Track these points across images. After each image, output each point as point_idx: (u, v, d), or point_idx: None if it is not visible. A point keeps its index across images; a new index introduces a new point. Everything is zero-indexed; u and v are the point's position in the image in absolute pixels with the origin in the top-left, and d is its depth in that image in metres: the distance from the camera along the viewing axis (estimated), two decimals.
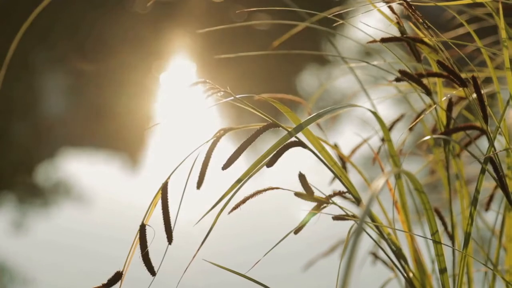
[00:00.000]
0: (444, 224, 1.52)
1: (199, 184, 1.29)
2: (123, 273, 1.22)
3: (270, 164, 1.22)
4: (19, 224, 4.13)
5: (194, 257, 1.18)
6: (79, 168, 4.97)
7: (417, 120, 1.62)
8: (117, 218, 3.91)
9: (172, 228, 1.23)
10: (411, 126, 1.64)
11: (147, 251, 1.22)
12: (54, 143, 5.50)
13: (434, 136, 1.35)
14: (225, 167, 1.23)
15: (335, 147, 1.57)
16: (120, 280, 1.21)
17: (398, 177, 1.47)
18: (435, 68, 1.39)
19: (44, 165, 5.14)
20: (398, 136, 1.74)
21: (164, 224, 1.23)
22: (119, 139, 5.18)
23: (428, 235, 1.64)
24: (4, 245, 3.86)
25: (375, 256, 1.76)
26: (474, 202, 1.28)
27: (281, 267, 3.16)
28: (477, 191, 1.29)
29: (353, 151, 1.67)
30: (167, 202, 1.23)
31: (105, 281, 1.23)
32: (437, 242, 1.22)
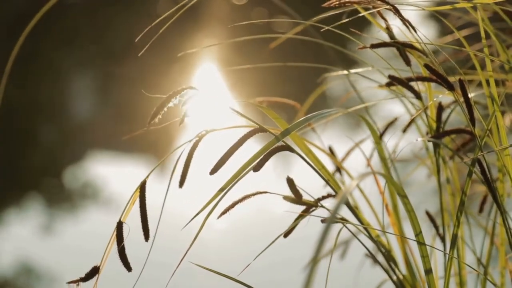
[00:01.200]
0: (435, 226, 1.53)
1: (181, 183, 1.31)
2: (100, 268, 1.24)
3: (256, 168, 1.23)
4: (47, 226, 4.15)
5: (181, 260, 1.20)
6: (107, 171, 4.99)
7: (409, 124, 1.63)
8: (163, 225, 3.91)
9: (157, 224, 1.25)
10: (404, 129, 1.65)
11: (124, 247, 1.24)
12: (82, 145, 5.52)
13: (422, 139, 1.36)
14: (212, 172, 1.25)
15: (327, 151, 1.58)
16: (97, 275, 1.23)
17: (388, 180, 1.48)
18: (424, 72, 1.40)
19: (72, 168, 5.16)
20: (397, 139, 1.75)
21: (141, 221, 1.25)
22: (146, 142, 5.19)
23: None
24: (31, 246, 3.88)
25: (373, 258, 1.76)
26: (461, 205, 1.29)
27: (283, 271, 3.18)
28: (464, 193, 1.30)
29: (346, 155, 1.68)
30: (145, 200, 1.25)
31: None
32: (421, 243, 1.23)
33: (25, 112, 6.02)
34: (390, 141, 1.86)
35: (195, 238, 1.21)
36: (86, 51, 7.89)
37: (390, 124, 1.64)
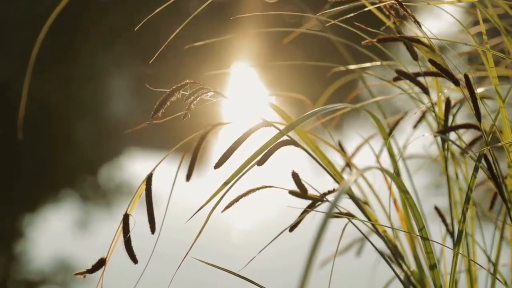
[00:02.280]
0: (444, 222, 1.52)
1: (188, 177, 1.32)
2: (106, 260, 1.25)
3: (260, 162, 1.24)
4: (82, 223, 4.18)
5: (185, 256, 1.21)
6: (142, 168, 5.00)
7: (420, 120, 1.62)
8: (179, 220, 3.92)
9: (156, 218, 1.26)
10: (414, 125, 1.65)
11: (130, 240, 1.24)
12: (118, 143, 5.54)
13: (429, 134, 1.35)
14: (216, 166, 1.25)
15: (336, 147, 1.58)
16: (103, 267, 1.24)
17: (397, 175, 1.48)
18: (432, 68, 1.40)
19: (107, 166, 5.19)
20: (408, 135, 1.75)
21: (148, 214, 1.26)
22: (183, 140, 5.17)
23: (434, 234, 1.65)
24: (68, 243, 3.91)
25: (380, 253, 1.76)
26: (466, 200, 1.29)
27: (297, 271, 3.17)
28: (470, 189, 1.29)
29: (356, 151, 1.68)
30: (151, 193, 1.26)
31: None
32: (424, 239, 1.23)
33: (62, 111, 6.06)
34: (400, 137, 1.85)
35: (199, 233, 1.21)
36: (123, 50, 7.93)
37: (400, 120, 1.64)
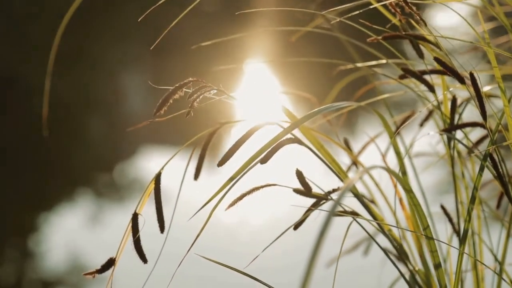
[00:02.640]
0: (450, 221, 1.51)
1: (196, 176, 1.32)
2: (116, 260, 1.25)
3: (264, 161, 1.23)
4: (96, 220, 4.19)
5: (187, 252, 1.20)
6: (157, 166, 4.98)
7: (427, 118, 1.62)
8: (192, 218, 3.89)
9: (164, 217, 1.25)
10: (421, 123, 1.64)
11: (139, 239, 1.24)
12: (133, 141, 5.53)
13: (434, 133, 1.35)
14: (220, 164, 1.25)
15: (343, 145, 1.58)
16: (113, 267, 1.24)
17: (403, 174, 1.47)
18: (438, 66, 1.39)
19: (122, 163, 5.19)
20: (415, 133, 1.74)
21: (157, 213, 1.26)
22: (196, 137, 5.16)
23: (442, 233, 1.64)
24: (81, 241, 3.91)
25: (384, 251, 1.75)
26: (472, 199, 1.28)
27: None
28: (476, 188, 1.29)
29: (362, 149, 1.67)
30: (160, 192, 1.26)
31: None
32: (428, 238, 1.22)
33: (77, 108, 6.07)
34: (408, 135, 1.85)
35: (201, 230, 1.21)
36: (137, 47, 7.94)
37: (407, 118, 1.63)
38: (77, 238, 3.96)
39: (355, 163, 1.62)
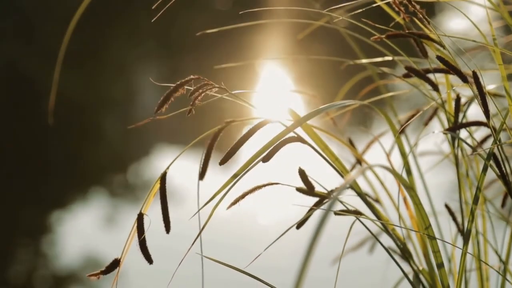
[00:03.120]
0: (455, 221, 1.51)
1: (202, 176, 1.31)
2: (121, 260, 1.25)
3: (265, 159, 1.23)
4: (111, 220, 4.19)
5: (188, 250, 1.20)
6: (172, 166, 4.95)
7: (431, 117, 1.61)
8: (206, 217, 3.86)
9: (169, 217, 1.25)
10: (425, 122, 1.63)
11: (145, 240, 1.24)
12: (147, 141, 5.52)
13: (438, 132, 1.34)
14: (222, 162, 1.25)
15: (347, 143, 1.57)
16: (118, 268, 1.24)
17: (408, 173, 1.47)
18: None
19: (137, 162, 5.19)
20: (419, 132, 1.73)
21: (162, 213, 1.25)
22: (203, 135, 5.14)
23: (444, 232, 1.64)
24: (96, 240, 3.92)
25: (387, 251, 1.75)
26: (475, 199, 1.28)
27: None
28: (479, 188, 1.28)
29: (366, 148, 1.66)
30: (165, 191, 1.25)
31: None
32: (430, 237, 1.22)
33: (91, 108, 6.07)
34: (414, 134, 1.84)
35: (202, 228, 1.21)
36: (150, 46, 7.94)
37: (412, 117, 1.63)
38: (91, 238, 3.96)
39: (359, 161, 1.62)
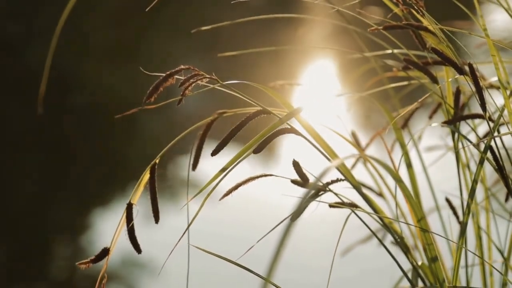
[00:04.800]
0: (455, 214, 1.50)
1: (194, 166, 1.31)
2: (110, 250, 1.25)
3: (257, 150, 1.23)
4: (148, 218, 4.19)
5: (178, 241, 1.21)
6: (211, 163, 4.95)
7: (435, 110, 1.60)
8: (245, 215, 3.87)
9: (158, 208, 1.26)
10: (430, 115, 1.62)
11: (133, 229, 1.25)
12: (189, 138, 5.50)
13: (435, 124, 1.33)
14: (213, 153, 1.25)
15: (346, 137, 1.56)
16: (107, 257, 1.24)
17: (408, 166, 1.46)
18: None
19: (177, 160, 5.18)
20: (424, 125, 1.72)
21: (151, 203, 1.26)
22: (251, 133, 5.14)
23: (447, 226, 1.62)
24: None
25: (383, 245, 1.74)
26: (471, 192, 1.26)
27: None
28: (475, 181, 1.27)
29: (370, 142, 1.65)
30: (155, 182, 1.26)
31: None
32: (424, 230, 1.21)
33: (133, 104, 6.09)
34: (418, 128, 1.83)
35: (191, 221, 1.21)
36: (191, 42, 7.96)
37: (415, 110, 1.61)
38: (126, 236, 3.96)
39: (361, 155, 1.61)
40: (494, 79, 1.47)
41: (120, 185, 4.75)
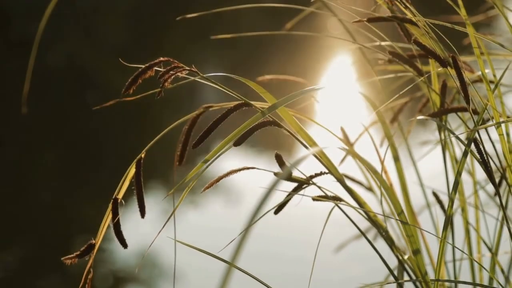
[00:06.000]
0: (442, 208, 1.49)
1: (180, 161, 1.31)
2: (96, 245, 1.25)
3: (237, 143, 1.22)
4: (167, 217, 4.17)
5: (158, 233, 1.20)
6: (231, 164, 4.92)
7: (425, 104, 1.59)
8: (286, 218, 3.85)
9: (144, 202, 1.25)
10: (420, 108, 1.62)
11: (119, 224, 1.24)
12: (209, 137, 5.46)
13: (419, 117, 1.32)
14: (194, 146, 1.25)
15: (340, 132, 1.56)
16: (92, 252, 1.24)
17: (396, 160, 1.45)
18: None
19: (197, 159, 5.16)
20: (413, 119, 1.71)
21: (137, 198, 1.26)
22: (270, 135, 5.14)
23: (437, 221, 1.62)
24: (151, 236, 3.90)
25: (366, 239, 1.73)
26: (454, 185, 1.26)
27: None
28: (459, 173, 1.26)
29: (359, 137, 1.65)
30: (141, 177, 1.26)
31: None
32: (403, 223, 1.20)
33: (153, 104, 6.08)
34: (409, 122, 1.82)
35: (171, 215, 1.21)
36: (213, 42, 7.94)
37: (405, 104, 1.61)
38: (148, 234, 3.96)
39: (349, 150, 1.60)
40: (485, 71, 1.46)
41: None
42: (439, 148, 1.88)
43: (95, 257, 1.23)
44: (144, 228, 3.97)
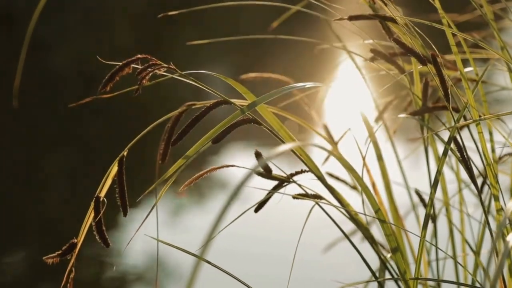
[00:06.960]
0: (425, 206, 1.48)
1: (163, 159, 1.31)
2: (78, 243, 1.25)
3: (215, 141, 1.22)
4: (175, 219, 4.17)
5: (136, 232, 1.20)
6: (240, 163, 4.91)
7: (410, 103, 1.59)
8: (273, 217, 3.85)
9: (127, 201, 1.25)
10: (405, 107, 1.61)
11: (101, 222, 1.24)
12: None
13: (401, 116, 1.32)
14: (173, 143, 1.25)
15: (323, 130, 1.56)
16: (74, 251, 1.24)
17: (379, 159, 1.45)
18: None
19: (206, 161, 5.15)
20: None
21: (120, 196, 1.25)
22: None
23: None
24: (159, 238, 3.88)
25: (347, 237, 1.73)
26: (434, 184, 1.25)
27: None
28: (439, 172, 1.26)
29: (343, 135, 1.64)
30: (123, 175, 1.25)
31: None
32: (382, 221, 1.20)
33: (160, 107, 6.08)
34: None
35: (146, 216, 1.21)
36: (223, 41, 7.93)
37: (390, 103, 1.61)
38: (155, 234, 3.93)
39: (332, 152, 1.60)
40: (468, 70, 1.45)
41: (150, 184, 4.72)
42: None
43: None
44: (152, 232, 3.95)
